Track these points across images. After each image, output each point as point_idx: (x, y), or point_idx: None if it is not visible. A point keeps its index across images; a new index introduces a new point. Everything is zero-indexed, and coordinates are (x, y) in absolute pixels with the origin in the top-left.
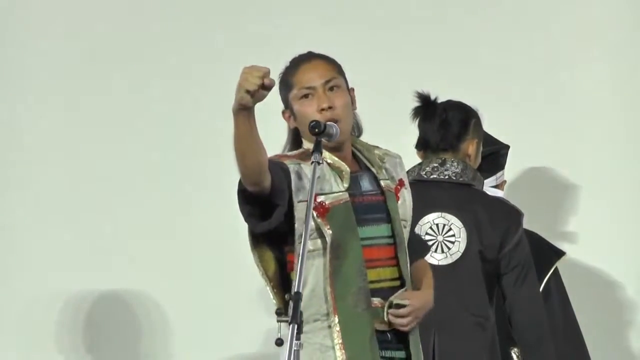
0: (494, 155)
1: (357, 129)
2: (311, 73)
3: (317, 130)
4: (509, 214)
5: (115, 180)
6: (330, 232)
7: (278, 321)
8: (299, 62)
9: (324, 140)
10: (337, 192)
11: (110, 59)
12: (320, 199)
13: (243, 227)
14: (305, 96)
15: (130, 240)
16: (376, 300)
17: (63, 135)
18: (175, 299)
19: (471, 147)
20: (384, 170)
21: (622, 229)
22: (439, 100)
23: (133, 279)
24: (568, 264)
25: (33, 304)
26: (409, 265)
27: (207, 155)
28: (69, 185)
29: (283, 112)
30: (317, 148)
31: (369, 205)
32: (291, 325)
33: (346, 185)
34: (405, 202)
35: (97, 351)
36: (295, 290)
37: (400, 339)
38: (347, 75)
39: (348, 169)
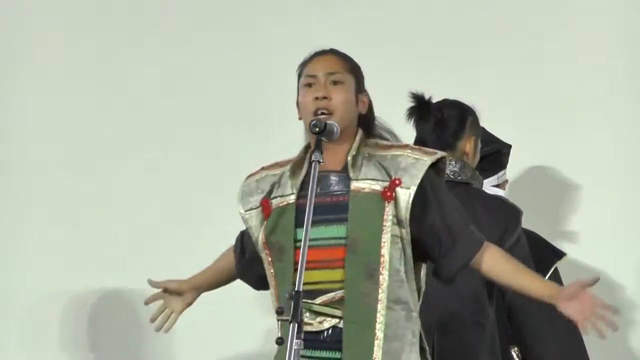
0: (496, 154)
1: (392, 138)
2: (318, 64)
3: (317, 129)
4: (507, 212)
5: (117, 179)
6: (264, 235)
7: (278, 320)
8: (314, 54)
9: (323, 139)
10: (286, 195)
11: (109, 58)
12: (272, 201)
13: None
14: (308, 85)
15: (132, 239)
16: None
17: (63, 133)
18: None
19: (469, 145)
20: (372, 171)
21: (623, 229)
22: (434, 100)
23: (135, 277)
24: (568, 264)
25: (35, 303)
26: (370, 268)
27: (208, 156)
28: (70, 183)
29: (297, 104)
30: (318, 147)
31: (322, 207)
32: (292, 324)
33: (295, 189)
34: (399, 202)
35: (100, 350)
36: (296, 289)
37: (338, 339)
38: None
39: (302, 174)
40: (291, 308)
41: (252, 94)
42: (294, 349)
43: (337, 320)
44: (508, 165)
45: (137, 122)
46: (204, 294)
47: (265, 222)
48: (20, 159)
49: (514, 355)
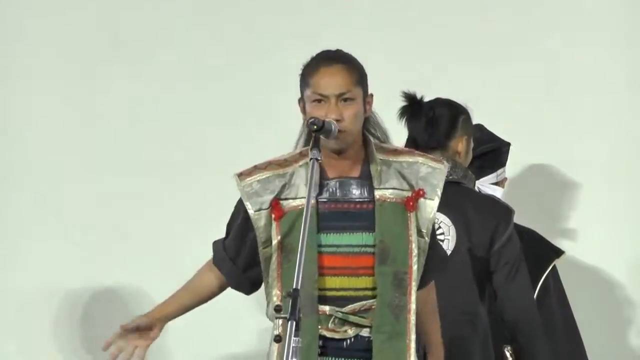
0: (495, 152)
1: (382, 134)
2: (328, 80)
3: (315, 127)
4: (498, 211)
5: (113, 178)
6: (279, 236)
7: (276, 317)
8: (320, 63)
9: (322, 137)
10: (301, 197)
11: (110, 57)
12: (282, 202)
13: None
14: (317, 101)
15: (128, 237)
16: (326, 308)
17: (60, 130)
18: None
19: (460, 145)
20: (393, 179)
21: (622, 227)
22: (426, 99)
23: (130, 275)
24: (567, 262)
25: (30, 301)
26: (398, 278)
27: (207, 154)
28: (64, 182)
29: (299, 101)
30: (316, 145)
31: (344, 213)
32: (290, 322)
33: (314, 193)
34: (422, 212)
35: (93, 347)
36: (294, 287)
37: (365, 347)
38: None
39: (317, 176)
40: (289, 306)
41: (251, 92)
42: (292, 347)
43: (361, 328)
44: (507, 163)
45: (134, 121)
46: None
47: (275, 223)
48: (15, 155)
49: (508, 354)
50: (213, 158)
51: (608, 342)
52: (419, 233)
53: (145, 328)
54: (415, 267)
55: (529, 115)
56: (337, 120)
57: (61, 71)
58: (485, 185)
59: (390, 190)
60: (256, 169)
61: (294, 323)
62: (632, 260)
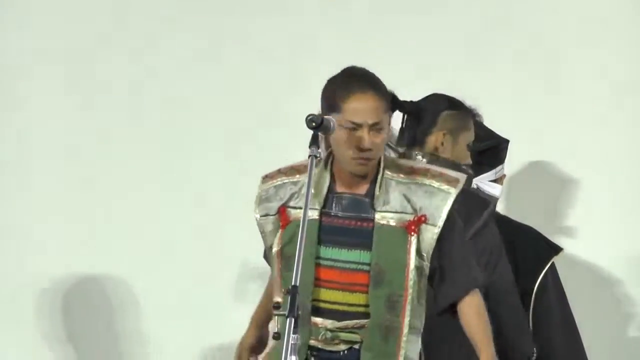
0: (494, 149)
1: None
2: (362, 107)
3: (314, 124)
4: (473, 203)
5: (108, 174)
6: (280, 244)
7: (275, 314)
8: (351, 88)
9: (321, 133)
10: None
11: (110, 55)
12: (290, 210)
13: (226, 215)
14: (350, 128)
15: (114, 228)
16: (318, 319)
17: (53, 124)
18: (156, 286)
19: (439, 140)
20: (397, 202)
21: (620, 223)
22: (403, 97)
23: (114, 266)
24: (566, 259)
25: (16, 291)
26: (392, 300)
27: (207, 152)
28: (57, 175)
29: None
30: (315, 142)
31: (345, 229)
32: (288, 319)
33: (318, 205)
34: (423, 236)
35: (78, 337)
36: (292, 284)
37: (356, 359)
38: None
39: (325, 190)
40: (288, 303)
41: (263, 94)
42: (291, 344)
43: (353, 343)
44: (506, 160)
45: (131, 117)
46: (180, 282)
47: (280, 230)
48: (8, 150)
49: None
50: (213, 156)
51: (607, 339)
52: (420, 256)
53: (256, 348)
54: (411, 290)
55: (527, 111)
56: (369, 150)
57: (68, 66)
58: (484, 182)
59: (392, 214)
60: (279, 173)
61: (293, 320)
62: (631, 258)
